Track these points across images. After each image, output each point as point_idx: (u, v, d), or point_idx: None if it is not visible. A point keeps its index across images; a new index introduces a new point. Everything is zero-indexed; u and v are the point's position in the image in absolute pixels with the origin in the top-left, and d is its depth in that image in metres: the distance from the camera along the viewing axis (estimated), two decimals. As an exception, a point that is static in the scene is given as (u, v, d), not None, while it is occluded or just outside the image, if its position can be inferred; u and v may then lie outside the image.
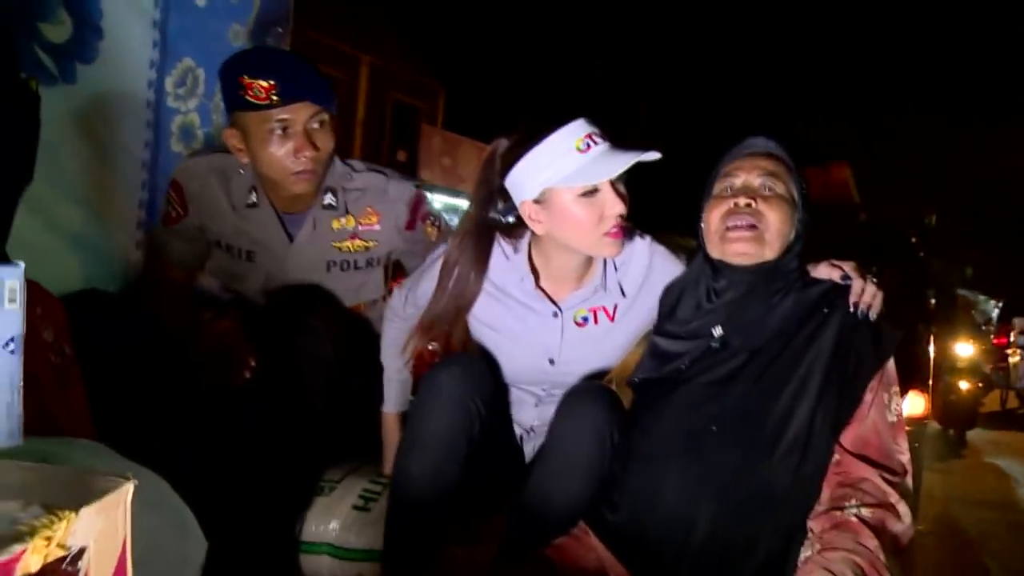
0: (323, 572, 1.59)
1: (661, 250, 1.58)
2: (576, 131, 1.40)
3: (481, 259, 1.54)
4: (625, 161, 1.38)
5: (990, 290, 9.14)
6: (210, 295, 1.96)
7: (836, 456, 1.32)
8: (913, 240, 4.84)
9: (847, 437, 1.33)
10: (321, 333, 1.65)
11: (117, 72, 1.89)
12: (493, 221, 1.52)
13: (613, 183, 1.41)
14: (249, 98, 1.57)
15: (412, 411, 1.49)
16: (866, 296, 1.37)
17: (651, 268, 1.56)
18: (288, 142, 1.60)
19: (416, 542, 1.46)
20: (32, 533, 0.57)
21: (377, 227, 1.80)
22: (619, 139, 1.44)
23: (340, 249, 1.79)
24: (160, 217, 1.83)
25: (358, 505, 1.64)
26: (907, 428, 2.67)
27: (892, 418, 1.36)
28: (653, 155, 1.40)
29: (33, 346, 0.92)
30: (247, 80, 1.57)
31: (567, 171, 1.39)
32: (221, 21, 2.14)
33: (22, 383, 0.83)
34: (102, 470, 0.71)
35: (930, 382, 3.60)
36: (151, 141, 2.00)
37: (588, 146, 1.39)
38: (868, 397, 1.34)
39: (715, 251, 1.42)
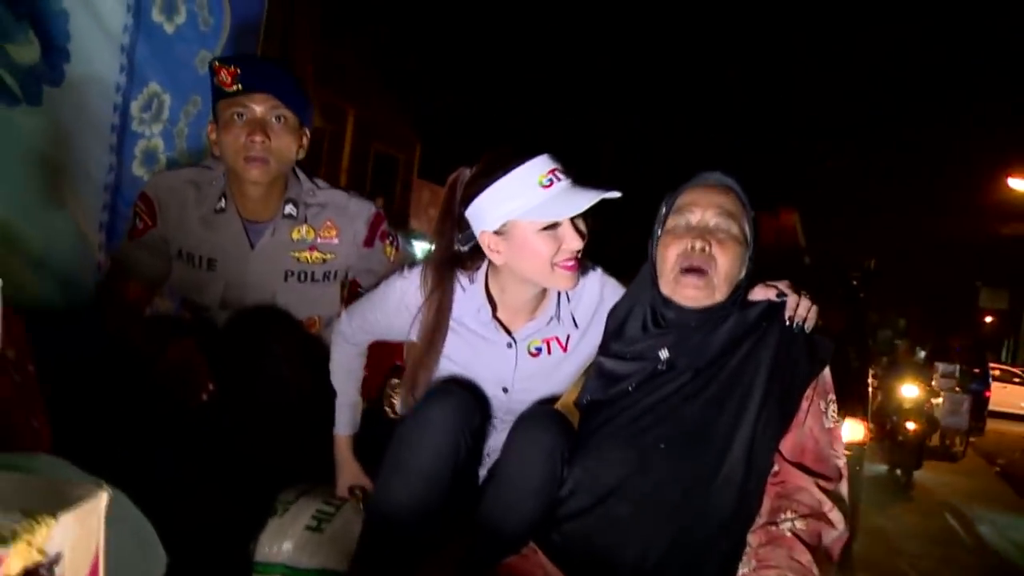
0: (276, 592, 1.61)
1: (611, 282, 1.63)
2: (540, 166, 1.44)
3: (448, 289, 1.57)
4: (589, 199, 1.42)
5: (916, 340, 9.57)
6: (169, 317, 1.97)
7: (775, 466, 1.39)
8: (854, 283, 5.04)
9: (785, 445, 1.40)
10: (278, 354, 1.67)
11: (83, 95, 1.91)
12: (456, 251, 1.55)
13: (573, 219, 1.45)
14: (218, 84, 1.68)
15: (401, 437, 1.49)
16: (801, 310, 1.45)
17: (602, 299, 1.61)
18: (242, 128, 1.68)
19: (388, 567, 1.47)
20: (14, 537, 0.59)
21: (335, 241, 1.85)
22: (582, 176, 1.48)
23: (298, 259, 1.82)
24: (126, 231, 1.84)
25: (311, 526, 1.65)
26: (847, 453, 2.79)
27: (829, 424, 1.42)
28: (614, 194, 1.45)
29: None
30: (217, 66, 1.68)
31: (530, 205, 1.42)
32: (189, 48, 2.17)
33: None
34: (74, 481, 0.74)
35: (869, 412, 3.87)
36: (114, 164, 2.01)
37: (551, 182, 1.43)
38: (804, 404, 1.41)
39: (666, 288, 1.48)
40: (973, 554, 4.83)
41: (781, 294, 1.47)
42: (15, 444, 1.06)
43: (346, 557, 1.59)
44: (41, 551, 0.62)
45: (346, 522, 1.65)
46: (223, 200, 1.79)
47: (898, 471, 7.09)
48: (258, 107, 1.69)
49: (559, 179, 1.44)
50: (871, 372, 4.61)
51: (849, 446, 2.87)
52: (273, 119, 1.71)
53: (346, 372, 1.75)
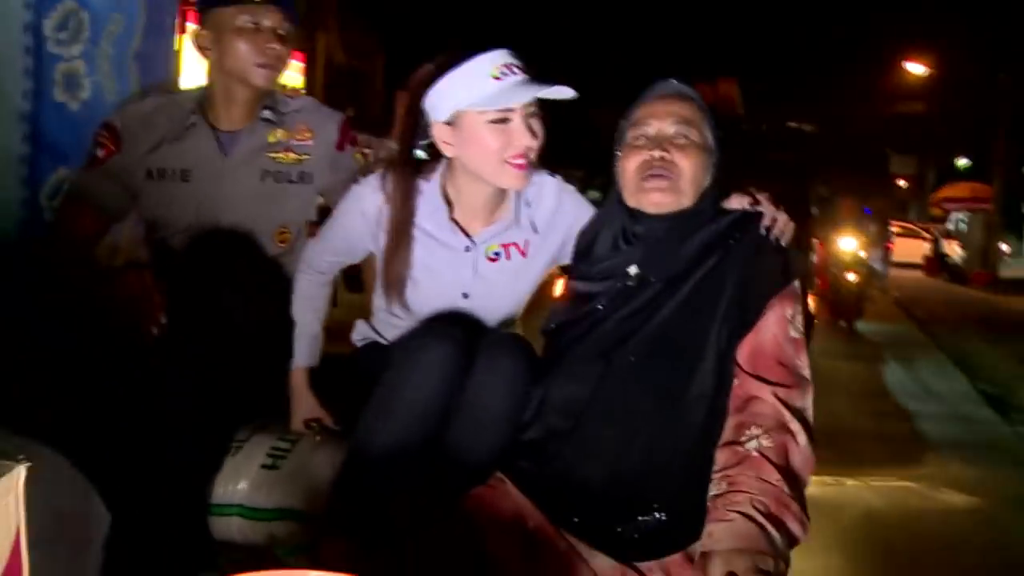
0: (233, 533, 1.59)
1: (570, 189, 1.64)
2: (496, 59, 1.45)
3: (411, 186, 1.56)
4: (535, 91, 1.42)
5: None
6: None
7: (735, 378, 1.38)
8: (794, 155, 5.13)
9: (743, 350, 1.38)
10: (236, 288, 1.66)
11: (-15, 14, 1.75)
12: (414, 148, 1.55)
13: (526, 117, 1.45)
14: None
15: (392, 380, 1.45)
16: (779, 223, 1.44)
17: (560, 203, 1.61)
18: (259, 35, 1.76)
19: (367, 511, 1.44)
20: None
21: (310, 143, 1.88)
22: (540, 74, 1.47)
23: (275, 159, 1.85)
24: (86, 162, 1.81)
25: (266, 464, 1.62)
26: None
27: (795, 334, 1.41)
28: (567, 91, 1.45)
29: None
30: None
31: (479, 96, 1.43)
32: (105, -41, 2.00)
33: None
34: (-8, 454, 0.69)
35: (816, 284, 3.80)
36: (30, 90, 1.86)
37: (504, 75, 1.43)
38: (768, 312, 1.39)
39: (631, 200, 1.46)
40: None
41: (756, 203, 1.46)
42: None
43: (305, 494, 1.57)
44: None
45: (302, 459, 1.63)
46: (192, 116, 1.81)
47: (841, 322, 7.51)
48: (271, 18, 1.78)
49: (513, 73, 1.44)
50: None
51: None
52: (283, 31, 1.80)
53: (307, 301, 1.72)
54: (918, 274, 17.14)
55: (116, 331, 1.58)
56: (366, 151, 1.95)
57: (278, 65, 1.81)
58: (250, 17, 1.76)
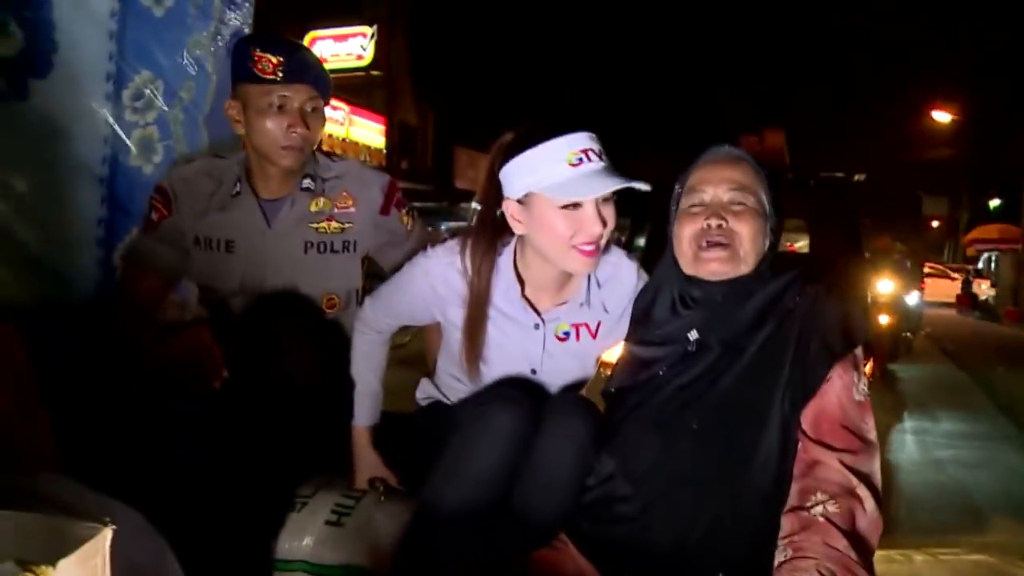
0: (298, 590, 1.58)
1: (644, 275, 1.60)
2: (574, 143, 1.41)
3: (491, 252, 1.54)
4: (610, 185, 1.38)
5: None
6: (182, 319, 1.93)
7: (800, 444, 1.33)
8: (844, 205, 4.97)
9: (807, 416, 1.33)
10: (295, 348, 1.64)
11: (72, 86, 1.85)
12: (497, 217, 1.52)
13: (599, 204, 1.42)
14: (256, 71, 1.70)
15: (462, 443, 1.42)
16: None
17: (636, 290, 1.58)
18: (284, 117, 1.72)
19: (434, 569, 1.41)
20: (10, 591, 0.56)
21: (352, 210, 1.86)
22: (618, 163, 1.44)
23: (317, 230, 1.83)
24: (142, 225, 1.83)
25: (331, 520, 1.62)
26: None
27: (860, 398, 1.36)
28: (642, 185, 1.40)
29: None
30: (259, 53, 1.70)
31: (552, 181, 1.40)
32: (180, 31, 2.09)
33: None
34: (78, 514, 0.70)
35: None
36: (109, 156, 1.95)
37: (580, 160, 1.39)
38: (833, 376, 1.34)
39: (688, 268, 1.43)
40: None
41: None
42: (17, 462, 1.02)
43: (369, 551, 1.56)
44: (41, 602, 0.58)
45: (367, 515, 1.62)
46: (238, 184, 1.81)
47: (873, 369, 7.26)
48: (297, 98, 1.74)
49: (590, 160, 1.40)
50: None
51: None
52: (309, 108, 1.76)
53: (366, 360, 1.72)
54: (951, 312, 17.59)
55: (181, 386, 1.58)
56: (410, 213, 1.94)
57: (304, 147, 1.77)
58: (275, 98, 1.72)
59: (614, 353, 1.63)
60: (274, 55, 1.70)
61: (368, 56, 19.20)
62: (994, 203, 25.36)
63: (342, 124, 17.48)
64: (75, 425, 1.43)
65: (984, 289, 18.43)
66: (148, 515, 1.01)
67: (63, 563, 0.60)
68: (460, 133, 19.49)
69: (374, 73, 19.29)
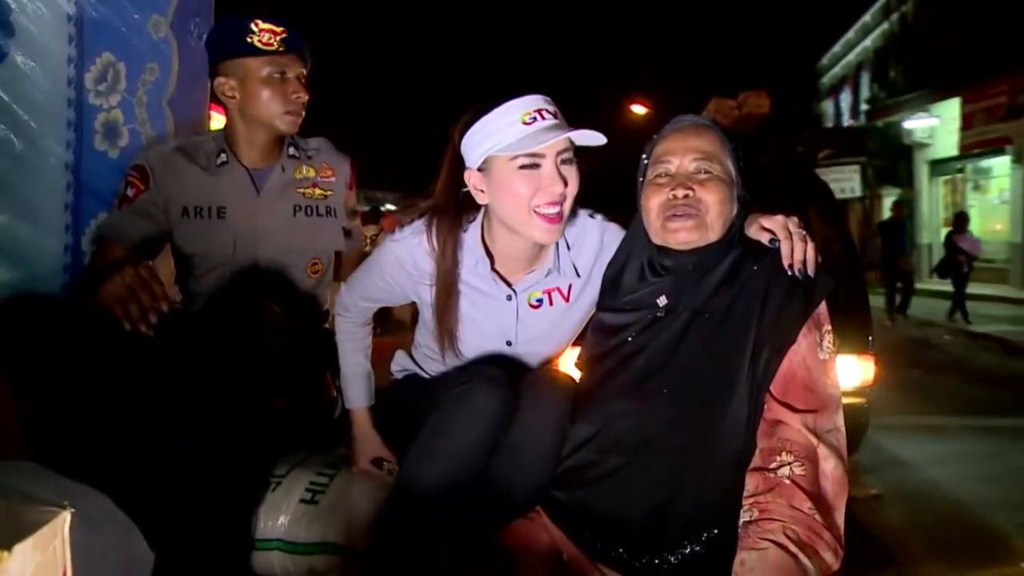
0: (274, 568, 1.60)
1: (612, 227, 1.60)
2: (527, 104, 1.42)
3: (456, 229, 1.54)
4: (565, 134, 1.39)
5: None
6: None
7: (765, 403, 1.36)
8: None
9: (776, 378, 1.36)
10: (273, 326, 1.66)
11: (31, 71, 1.82)
12: (458, 197, 1.52)
13: (558, 163, 1.42)
14: (258, 43, 1.81)
15: (442, 423, 1.42)
16: (797, 255, 1.39)
17: (602, 246, 1.59)
18: (287, 84, 1.84)
19: (411, 546, 1.42)
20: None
21: (332, 179, 1.99)
22: (575, 121, 1.44)
23: (304, 195, 1.94)
24: (117, 202, 1.86)
25: (305, 499, 1.64)
26: (860, 400, 2.67)
27: (824, 355, 1.38)
28: (598, 137, 1.42)
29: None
30: (261, 25, 1.81)
31: (508, 141, 1.41)
32: (140, 12, 2.06)
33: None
34: (37, 499, 0.72)
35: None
36: (73, 141, 1.93)
37: (534, 119, 1.41)
38: (799, 338, 1.36)
39: (656, 238, 1.45)
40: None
41: (774, 240, 1.42)
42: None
43: (344, 527, 1.59)
44: (-3, 585, 0.60)
45: (341, 492, 1.65)
46: (223, 154, 1.88)
47: None
48: (295, 66, 1.86)
49: (543, 118, 1.41)
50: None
51: (858, 391, 2.67)
52: (303, 77, 1.88)
53: (352, 342, 1.75)
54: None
55: (116, 316, 1.46)
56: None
57: (302, 111, 1.88)
58: (276, 68, 1.83)
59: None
60: (277, 26, 1.83)
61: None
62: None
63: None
64: (46, 413, 1.44)
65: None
66: (125, 500, 1.02)
67: (19, 547, 0.61)
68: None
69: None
